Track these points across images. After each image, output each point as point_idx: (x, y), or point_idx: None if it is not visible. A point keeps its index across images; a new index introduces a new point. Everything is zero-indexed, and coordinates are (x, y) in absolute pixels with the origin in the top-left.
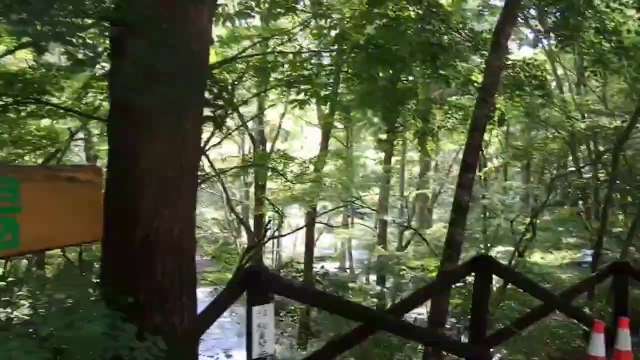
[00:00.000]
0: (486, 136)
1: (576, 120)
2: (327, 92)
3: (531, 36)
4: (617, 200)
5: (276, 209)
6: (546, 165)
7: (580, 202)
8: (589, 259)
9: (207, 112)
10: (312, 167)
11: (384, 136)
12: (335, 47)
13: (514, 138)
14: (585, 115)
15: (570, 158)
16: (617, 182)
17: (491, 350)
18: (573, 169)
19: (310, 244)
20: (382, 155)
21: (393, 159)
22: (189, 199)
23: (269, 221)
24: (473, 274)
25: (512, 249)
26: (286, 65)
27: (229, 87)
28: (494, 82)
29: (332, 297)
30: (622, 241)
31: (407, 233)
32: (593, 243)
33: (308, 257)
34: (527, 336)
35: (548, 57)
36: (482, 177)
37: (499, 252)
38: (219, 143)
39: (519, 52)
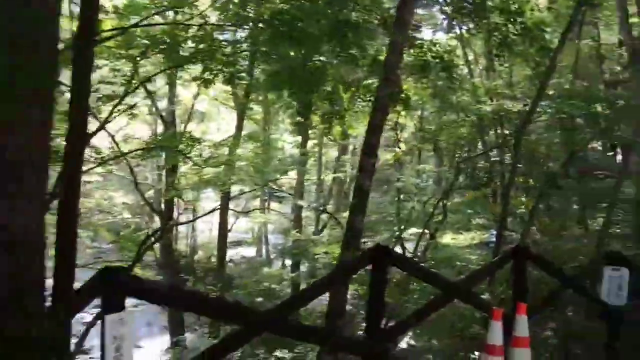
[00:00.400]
0: (400, 119)
1: (484, 104)
2: (232, 70)
3: (445, 23)
4: (520, 184)
5: (180, 195)
6: (457, 149)
7: (484, 185)
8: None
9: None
10: (225, 150)
11: (300, 119)
12: (240, 22)
13: (428, 122)
14: (493, 99)
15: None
16: (520, 165)
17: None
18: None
19: (223, 228)
20: (299, 138)
21: (310, 142)
22: (38, 189)
23: (174, 205)
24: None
25: (425, 231)
26: (190, 41)
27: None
28: (398, 60)
29: (209, 301)
30: (525, 222)
31: (323, 217)
32: (498, 224)
33: (221, 242)
34: (434, 321)
35: (459, 42)
36: (395, 160)
37: (412, 234)
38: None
39: (434, 37)
